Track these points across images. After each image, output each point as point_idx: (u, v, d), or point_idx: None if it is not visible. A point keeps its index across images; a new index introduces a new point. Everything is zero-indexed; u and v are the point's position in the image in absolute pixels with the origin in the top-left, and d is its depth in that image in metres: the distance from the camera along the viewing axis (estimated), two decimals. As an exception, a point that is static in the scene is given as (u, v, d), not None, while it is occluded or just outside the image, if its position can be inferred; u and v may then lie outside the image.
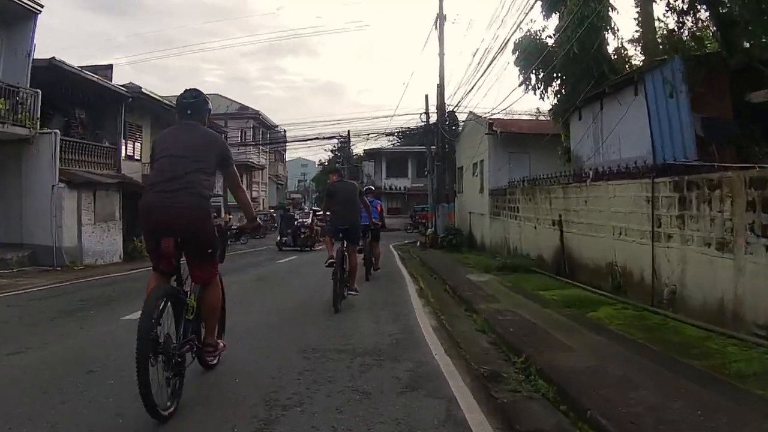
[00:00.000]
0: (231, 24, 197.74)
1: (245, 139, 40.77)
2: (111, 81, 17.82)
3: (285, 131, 60.85)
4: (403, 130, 27.33)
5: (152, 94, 18.69)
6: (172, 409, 3.19)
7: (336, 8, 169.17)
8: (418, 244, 24.40)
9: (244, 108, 43.56)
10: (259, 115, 43.04)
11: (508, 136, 17.65)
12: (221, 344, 4.04)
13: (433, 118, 24.77)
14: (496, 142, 17.94)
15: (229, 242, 16.22)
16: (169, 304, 3.36)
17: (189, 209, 3.44)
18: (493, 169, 18.05)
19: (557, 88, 12.90)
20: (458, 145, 24.84)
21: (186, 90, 3.87)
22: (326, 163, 75.67)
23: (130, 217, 15.84)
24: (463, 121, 22.17)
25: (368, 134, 28.05)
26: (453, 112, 25.52)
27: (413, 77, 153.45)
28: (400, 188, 43.32)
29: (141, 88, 18.26)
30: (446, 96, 23.23)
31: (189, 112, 3.77)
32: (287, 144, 45.40)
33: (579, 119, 12.27)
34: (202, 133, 3.75)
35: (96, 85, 16.27)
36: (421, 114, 26.23)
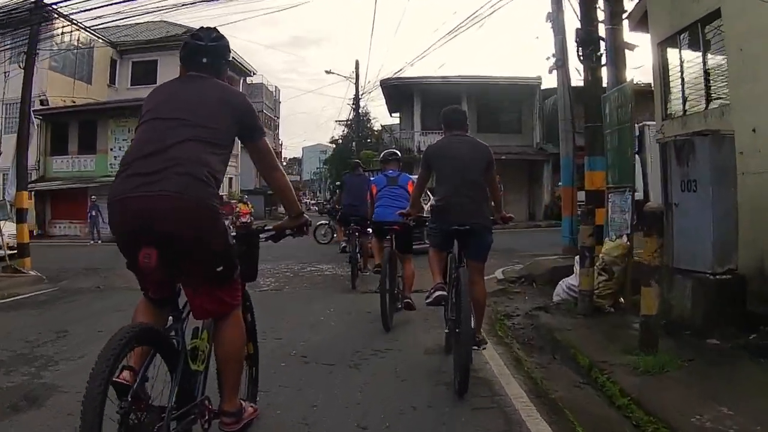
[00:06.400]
0: (254, 17, 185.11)
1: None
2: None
3: (277, 88, 45.33)
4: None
5: None
6: None
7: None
8: (555, 300, 6.87)
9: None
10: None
11: None
12: (249, 408, 2.58)
13: None
14: None
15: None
16: (153, 351, 2.06)
17: (178, 200, 2.03)
18: None
19: None
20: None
21: (201, 28, 2.44)
22: (339, 141, 61.08)
23: None
24: None
25: None
26: None
27: None
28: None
29: None
30: None
31: (204, 60, 2.37)
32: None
33: None
34: (214, 87, 2.34)
35: None
36: None
